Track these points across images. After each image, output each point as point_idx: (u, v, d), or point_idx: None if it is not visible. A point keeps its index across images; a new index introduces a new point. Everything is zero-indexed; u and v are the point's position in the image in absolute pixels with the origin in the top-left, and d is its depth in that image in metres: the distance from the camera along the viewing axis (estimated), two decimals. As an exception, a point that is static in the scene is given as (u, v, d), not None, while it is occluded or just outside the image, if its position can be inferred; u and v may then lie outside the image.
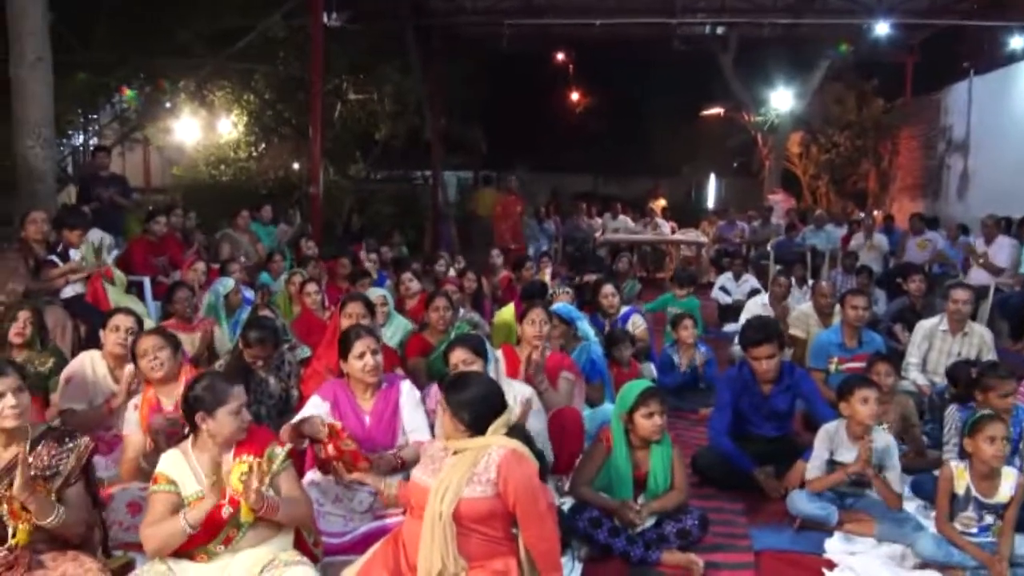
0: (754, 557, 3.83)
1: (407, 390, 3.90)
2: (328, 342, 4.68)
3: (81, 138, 15.59)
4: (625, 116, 21.83)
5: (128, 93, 12.65)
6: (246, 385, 4.41)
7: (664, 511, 3.77)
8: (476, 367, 3.78)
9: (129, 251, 7.55)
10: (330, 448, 3.48)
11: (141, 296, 7.04)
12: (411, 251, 13.23)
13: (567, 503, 3.88)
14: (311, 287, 6.45)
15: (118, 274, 6.64)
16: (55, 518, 2.82)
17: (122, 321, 4.31)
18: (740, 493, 4.51)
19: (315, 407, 3.75)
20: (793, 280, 10.07)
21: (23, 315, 4.48)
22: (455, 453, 2.93)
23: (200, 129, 14.76)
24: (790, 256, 12.78)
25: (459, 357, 3.90)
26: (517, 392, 3.83)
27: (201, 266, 7.01)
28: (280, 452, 3.06)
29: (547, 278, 8.76)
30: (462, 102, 16.89)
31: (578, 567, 3.56)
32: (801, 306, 7.20)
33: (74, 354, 5.29)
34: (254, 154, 15.48)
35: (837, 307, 6.41)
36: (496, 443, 2.88)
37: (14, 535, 2.83)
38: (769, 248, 13.45)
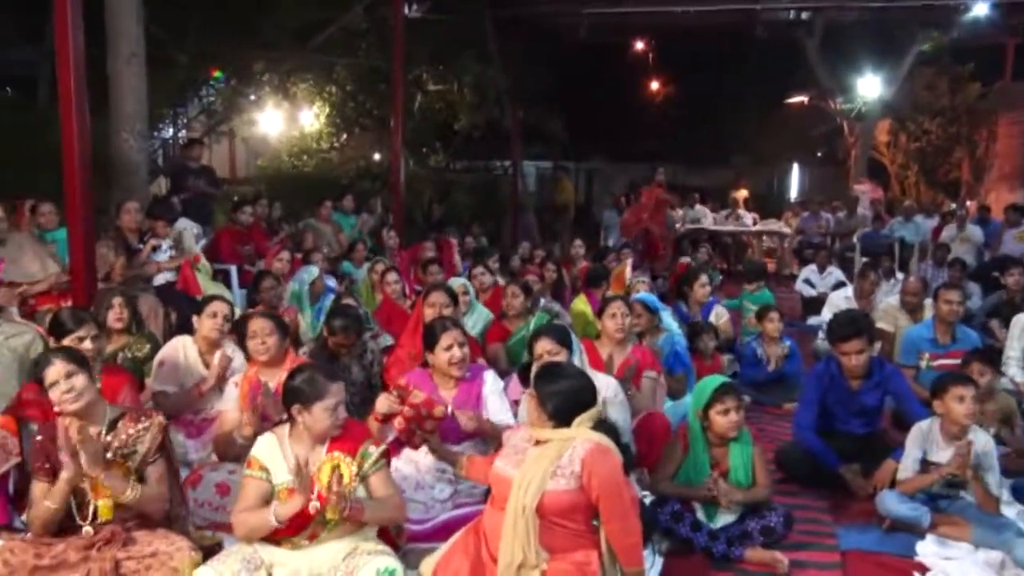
0: (840, 557, 3.73)
1: (491, 380, 3.91)
2: (411, 330, 4.74)
3: (171, 131, 16.16)
4: (706, 105, 21.41)
5: (216, 74, 12.96)
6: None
7: (747, 505, 3.69)
8: (561, 357, 3.76)
9: (216, 240, 7.75)
10: (406, 410, 3.50)
11: (227, 284, 7.22)
12: (491, 241, 13.28)
13: (649, 496, 3.84)
14: (391, 276, 6.52)
15: (205, 263, 6.84)
16: (131, 494, 2.94)
17: (219, 308, 4.44)
18: (825, 491, 4.39)
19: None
20: (880, 273, 9.80)
21: (117, 301, 4.63)
22: (538, 443, 2.92)
23: (283, 121, 15.06)
24: (877, 248, 12.47)
25: (544, 347, 3.88)
26: (601, 386, 3.78)
27: (286, 255, 7.17)
28: (374, 451, 3.05)
29: (628, 270, 8.68)
30: (541, 92, 16.83)
31: (659, 561, 3.51)
32: (889, 300, 6.96)
33: (166, 339, 5.48)
34: (336, 145, 15.72)
35: (928, 302, 6.19)
36: (581, 436, 2.85)
37: (93, 515, 2.95)
38: (855, 240, 13.11)
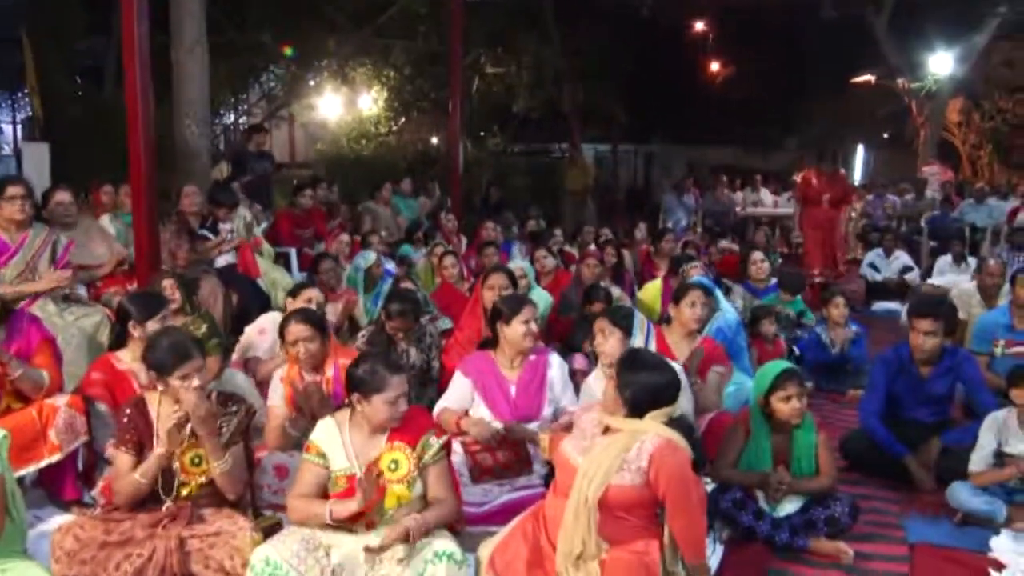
0: (908, 550, 3.61)
1: (557, 363, 3.91)
2: (470, 312, 4.74)
3: (232, 117, 16.43)
4: (768, 86, 20.84)
5: (287, 51, 13.07)
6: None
7: (810, 493, 3.59)
8: (614, 337, 3.67)
9: (276, 223, 7.84)
10: None
11: (287, 267, 7.30)
12: (549, 225, 13.21)
13: (711, 483, 3.76)
14: (449, 260, 6.52)
15: (265, 246, 6.92)
16: (224, 463, 3.03)
17: (312, 294, 4.57)
18: (891, 481, 4.26)
19: (458, 386, 3.79)
20: (950, 257, 9.52)
21: (167, 283, 4.67)
22: (607, 431, 2.86)
23: (342, 105, 15.15)
24: (946, 232, 12.11)
25: (600, 326, 3.80)
26: None
27: (345, 238, 7.22)
28: (435, 443, 3.03)
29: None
30: (600, 73, 16.64)
31: (719, 549, 3.44)
32: (963, 285, 6.73)
33: (225, 321, 5.59)
34: (393, 129, 15.78)
35: (1004, 288, 5.98)
36: (652, 430, 2.77)
37: (176, 491, 3.03)
38: (923, 223, 12.73)
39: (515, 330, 3.78)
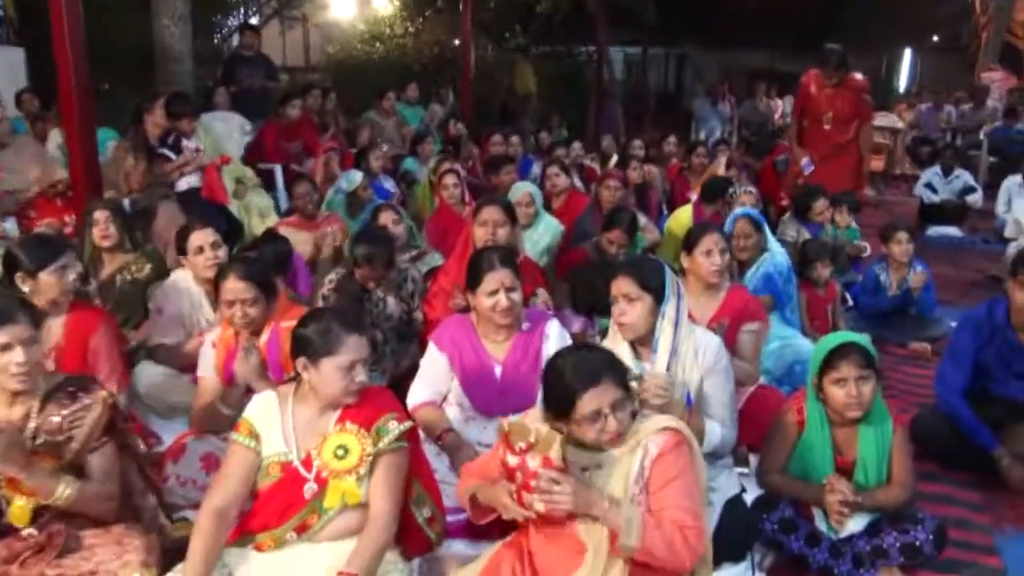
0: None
1: (555, 334, 3.03)
2: (459, 255, 3.88)
3: (242, 18, 15.32)
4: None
5: None
6: (360, 306, 3.82)
7: (880, 509, 2.74)
8: (640, 304, 2.78)
9: (260, 136, 6.94)
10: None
11: (271, 185, 6.48)
12: (572, 134, 12.21)
13: (751, 494, 2.96)
14: (449, 179, 5.56)
15: (248, 173, 6.03)
16: (62, 495, 2.26)
17: (203, 238, 3.60)
18: (975, 475, 3.44)
19: (433, 364, 2.99)
20: (1020, 178, 8.47)
21: (101, 216, 3.89)
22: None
23: (356, 4, 14.04)
24: (1009, 147, 11.06)
25: (621, 288, 2.80)
26: (700, 345, 2.81)
27: (335, 158, 6.31)
28: (394, 429, 2.36)
29: (721, 169, 7.58)
30: (629, -31, 15.29)
31: (757, 577, 2.70)
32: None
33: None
34: (410, 30, 14.66)
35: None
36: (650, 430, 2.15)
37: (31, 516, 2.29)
38: (981, 136, 11.65)
39: (480, 302, 2.94)
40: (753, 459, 3.25)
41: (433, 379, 3.00)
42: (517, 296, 2.95)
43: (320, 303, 3.85)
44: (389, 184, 7.00)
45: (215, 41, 13.50)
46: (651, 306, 2.75)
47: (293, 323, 2.50)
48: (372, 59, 14.17)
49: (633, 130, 13.73)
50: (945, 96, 13.92)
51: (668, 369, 2.69)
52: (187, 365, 3.52)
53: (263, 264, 3.25)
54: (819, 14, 18.88)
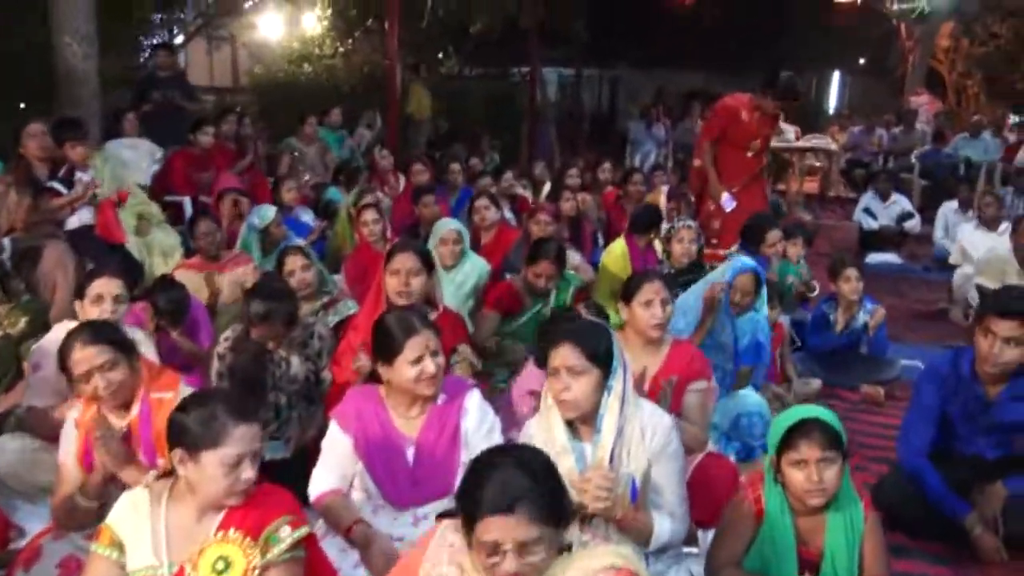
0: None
1: (475, 407, 2.61)
2: (369, 310, 3.46)
3: (166, 37, 14.68)
4: (741, 5, 19.50)
5: None
6: (261, 368, 3.40)
7: None
8: (586, 379, 2.37)
9: (168, 166, 6.45)
10: None
11: (179, 219, 5.99)
12: (505, 157, 11.88)
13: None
14: (369, 215, 5.12)
15: (153, 208, 5.50)
16: None
17: (105, 288, 3.19)
18: (943, 546, 3.16)
19: (336, 447, 2.57)
20: (955, 204, 8.41)
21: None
22: None
23: (284, 24, 13.56)
24: (939, 169, 11.17)
25: (564, 359, 2.38)
26: (648, 424, 2.44)
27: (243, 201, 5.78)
28: (286, 537, 2.00)
29: (662, 199, 7.23)
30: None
31: None
32: (998, 249, 5.61)
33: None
34: (340, 50, 14.20)
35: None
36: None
37: None
38: (912, 159, 11.72)
39: (401, 373, 2.51)
40: (702, 536, 2.91)
41: (337, 463, 2.57)
42: (442, 360, 2.56)
43: (216, 362, 3.41)
44: (308, 217, 6.58)
45: (141, 62, 12.87)
46: (598, 380, 2.38)
47: (167, 394, 2.10)
48: (298, 80, 13.68)
49: (567, 154, 13.50)
50: (874, 119, 14.01)
51: (612, 453, 2.33)
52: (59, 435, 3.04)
53: (108, 324, 2.79)
54: (753, 34, 19.03)
